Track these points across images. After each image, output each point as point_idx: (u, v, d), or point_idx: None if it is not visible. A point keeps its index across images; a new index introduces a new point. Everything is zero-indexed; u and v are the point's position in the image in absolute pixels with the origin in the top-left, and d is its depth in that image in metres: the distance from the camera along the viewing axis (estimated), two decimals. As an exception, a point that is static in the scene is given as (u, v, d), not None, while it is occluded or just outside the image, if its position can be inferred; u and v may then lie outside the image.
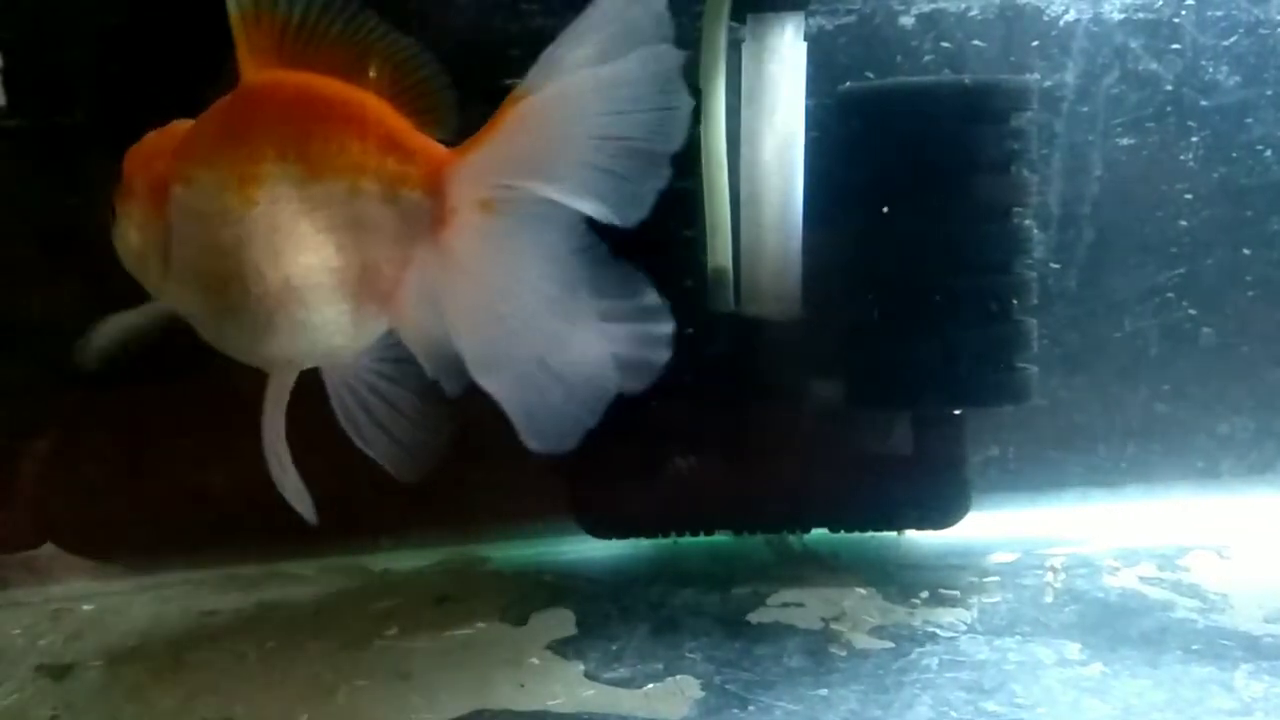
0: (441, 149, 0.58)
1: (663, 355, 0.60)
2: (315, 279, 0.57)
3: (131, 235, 0.60)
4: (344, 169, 0.57)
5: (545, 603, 0.85)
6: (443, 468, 0.94)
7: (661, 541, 0.93)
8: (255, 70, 0.58)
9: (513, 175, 0.55)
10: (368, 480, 0.88)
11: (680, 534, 0.92)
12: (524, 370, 0.56)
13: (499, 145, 0.55)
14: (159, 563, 0.93)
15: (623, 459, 0.90)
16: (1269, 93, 0.93)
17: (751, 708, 0.69)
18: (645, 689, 0.72)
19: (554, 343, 0.56)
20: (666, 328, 0.59)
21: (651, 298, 0.60)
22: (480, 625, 0.82)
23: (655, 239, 0.83)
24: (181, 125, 0.61)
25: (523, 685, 0.73)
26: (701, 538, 0.92)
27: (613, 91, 0.53)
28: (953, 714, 0.68)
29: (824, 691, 0.71)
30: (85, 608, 0.86)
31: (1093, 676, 0.73)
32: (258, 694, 0.72)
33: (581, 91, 0.54)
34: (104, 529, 0.94)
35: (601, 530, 0.91)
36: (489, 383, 0.56)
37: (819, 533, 0.92)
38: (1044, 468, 0.99)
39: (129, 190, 0.61)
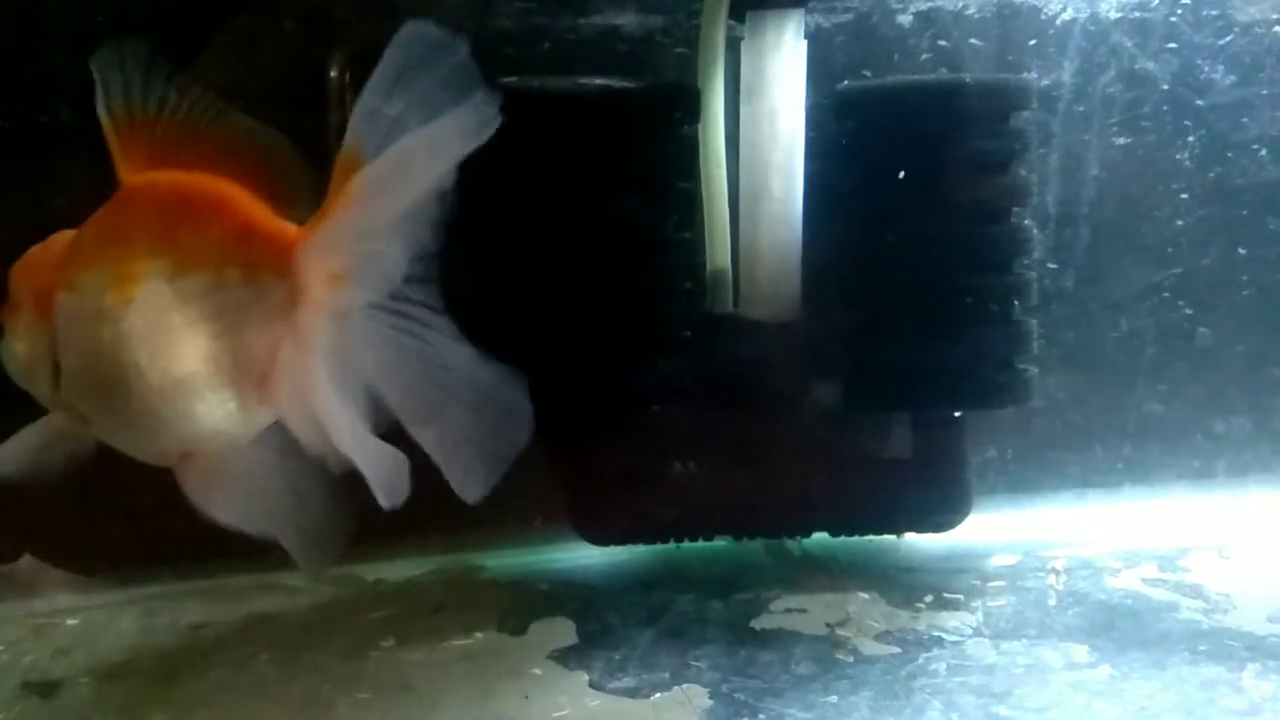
0: (293, 230, 0.60)
1: (523, 433, 0.62)
2: (192, 369, 0.58)
3: (19, 348, 0.62)
4: (209, 260, 0.59)
5: (544, 611, 0.83)
6: (434, 476, 0.92)
7: (657, 548, 0.92)
8: (130, 173, 0.60)
9: (357, 246, 0.57)
10: (360, 490, 0.87)
11: (679, 540, 0.91)
12: (371, 451, 0.57)
13: (340, 219, 0.57)
14: (144, 575, 0.90)
15: (620, 465, 0.89)
16: (1264, 92, 0.93)
17: (762, 716, 0.68)
18: (653, 699, 0.71)
19: (422, 407, 0.58)
20: (524, 405, 0.62)
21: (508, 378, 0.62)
22: (479, 635, 0.80)
23: (654, 241, 0.84)
24: (64, 236, 0.62)
25: (527, 696, 0.71)
26: (700, 544, 0.91)
27: (442, 150, 0.55)
28: (965, 718, 0.68)
29: (834, 699, 0.70)
30: (70, 622, 0.84)
31: (1102, 679, 0.72)
32: (255, 709, 0.70)
33: (414, 154, 0.55)
34: (87, 540, 0.91)
35: (600, 537, 0.90)
36: (350, 451, 0.57)
37: (818, 537, 0.92)
38: (1042, 469, 0.98)
39: (14, 304, 0.62)
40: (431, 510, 0.92)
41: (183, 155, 0.61)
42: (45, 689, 0.73)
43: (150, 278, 0.58)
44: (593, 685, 0.73)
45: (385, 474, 0.58)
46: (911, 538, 0.92)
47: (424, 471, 0.94)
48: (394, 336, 0.59)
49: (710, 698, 0.71)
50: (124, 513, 0.91)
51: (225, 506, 0.60)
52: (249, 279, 0.59)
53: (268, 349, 0.59)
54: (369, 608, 0.86)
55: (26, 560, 0.90)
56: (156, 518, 0.93)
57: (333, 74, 0.86)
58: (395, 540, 0.94)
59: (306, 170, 0.63)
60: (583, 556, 0.92)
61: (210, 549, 0.91)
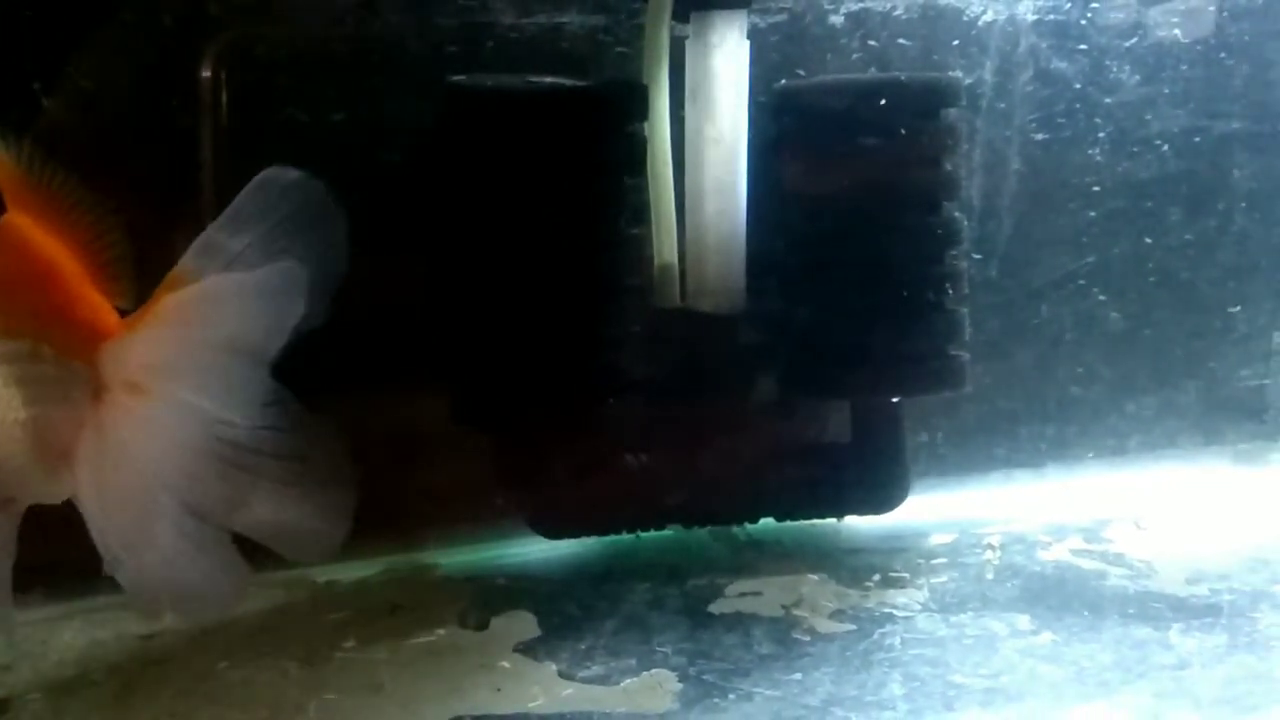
0: (112, 322, 0.61)
1: (344, 527, 0.65)
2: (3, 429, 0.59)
3: None
4: (28, 330, 0.60)
5: (503, 606, 0.84)
6: (381, 474, 0.92)
7: (606, 539, 0.93)
8: None
9: (150, 365, 0.59)
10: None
11: (632, 530, 0.92)
12: (158, 555, 0.59)
13: (142, 333, 0.59)
14: (82, 587, 0.87)
15: (572, 458, 0.90)
16: (1166, 90, 0.99)
17: (732, 695, 0.70)
18: (623, 685, 0.72)
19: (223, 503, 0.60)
20: (347, 500, 0.65)
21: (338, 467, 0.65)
22: (440, 632, 0.80)
23: (604, 237, 0.85)
24: None
25: (499, 689, 0.72)
26: (650, 533, 0.93)
27: (241, 302, 0.58)
28: (924, 687, 0.71)
29: (798, 675, 0.73)
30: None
31: (1044, 645, 0.76)
32: (220, 716, 0.69)
33: (215, 297, 0.58)
34: (20, 554, 0.88)
35: (553, 530, 0.91)
36: (112, 557, 0.60)
37: (763, 523, 0.94)
38: (970, 452, 1.03)
39: None
40: (381, 509, 0.92)
41: (41, 208, 0.61)
42: (-6, 707, 0.71)
43: None
44: (562, 675, 0.73)
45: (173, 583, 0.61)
46: (852, 520, 0.95)
47: (370, 468, 0.93)
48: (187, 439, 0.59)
49: (680, 681, 0.72)
50: (58, 524, 0.88)
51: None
52: (60, 359, 0.60)
53: (72, 429, 0.60)
54: (324, 610, 0.85)
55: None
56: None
57: (204, 74, 0.84)
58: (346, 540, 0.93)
59: (129, 253, 0.64)
60: (535, 550, 0.93)
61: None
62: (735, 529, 0.95)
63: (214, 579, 0.62)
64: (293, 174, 0.60)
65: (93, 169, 0.64)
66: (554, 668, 0.74)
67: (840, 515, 0.94)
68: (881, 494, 0.93)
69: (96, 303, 0.62)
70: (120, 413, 0.59)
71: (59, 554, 0.88)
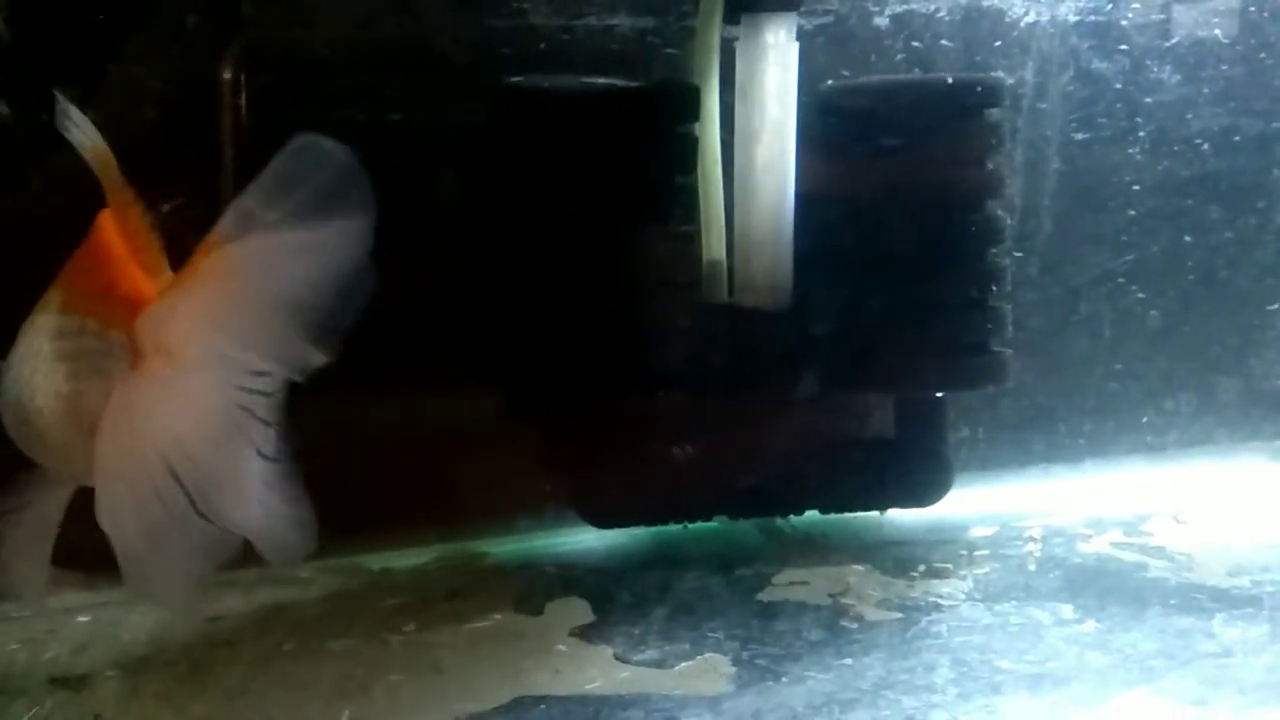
0: (151, 294, 0.62)
1: (307, 542, 0.62)
2: (44, 402, 0.61)
3: None
4: (81, 306, 0.62)
5: (556, 593, 0.86)
6: (434, 465, 0.94)
7: (652, 530, 0.95)
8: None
9: (184, 328, 0.59)
10: (359, 479, 0.88)
11: (680, 521, 0.94)
12: (153, 525, 0.59)
13: (177, 297, 0.60)
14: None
15: (621, 449, 0.92)
16: (1205, 90, 1.01)
17: (785, 679, 0.72)
18: (678, 668, 0.74)
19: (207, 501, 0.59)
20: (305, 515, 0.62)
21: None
22: (497, 617, 0.82)
23: (654, 235, 0.87)
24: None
25: (557, 671, 0.74)
26: (698, 525, 0.95)
27: (303, 256, 0.58)
28: (972, 672, 0.72)
29: (849, 660, 0.74)
30: (81, 619, 0.83)
31: (1089, 632, 0.78)
32: (291, 695, 0.72)
33: (272, 252, 0.58)
34: (89, 539, 0.91)
35: (603, 520, 0.93)
36: (109, 525, 0.60)
37: (807, 515, 0.96)
38: (1010, 447, 1.04)
39: None
40: (433, 499, 0.95)
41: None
42: (73, 683, 0.73)
43: (40, 311, 0.62)
44: (618, 658, 0.75)
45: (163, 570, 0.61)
46: (893, 513, 0.97)
47: (423, 460, 0.96)
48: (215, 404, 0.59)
49: (733, 664, 0.74)
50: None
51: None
52: (103, 332, 0.61)
53: (106, 401, 0.61)
54: (381, 596, 0.87)
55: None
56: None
57: (225, 76, 0.87)
58: (397, 529, 0.96)
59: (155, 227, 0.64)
60: (583, 540, 0.95)
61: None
62: (780, 521, 0.97)
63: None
64: (324, 142, 0.59)
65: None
66: (610, 651, 0.76)
67: (884, 508, 0.96)
68: (925, 488, 0.95)
69: (137, 275, 0.63)
70: (149, 380, 0.59)
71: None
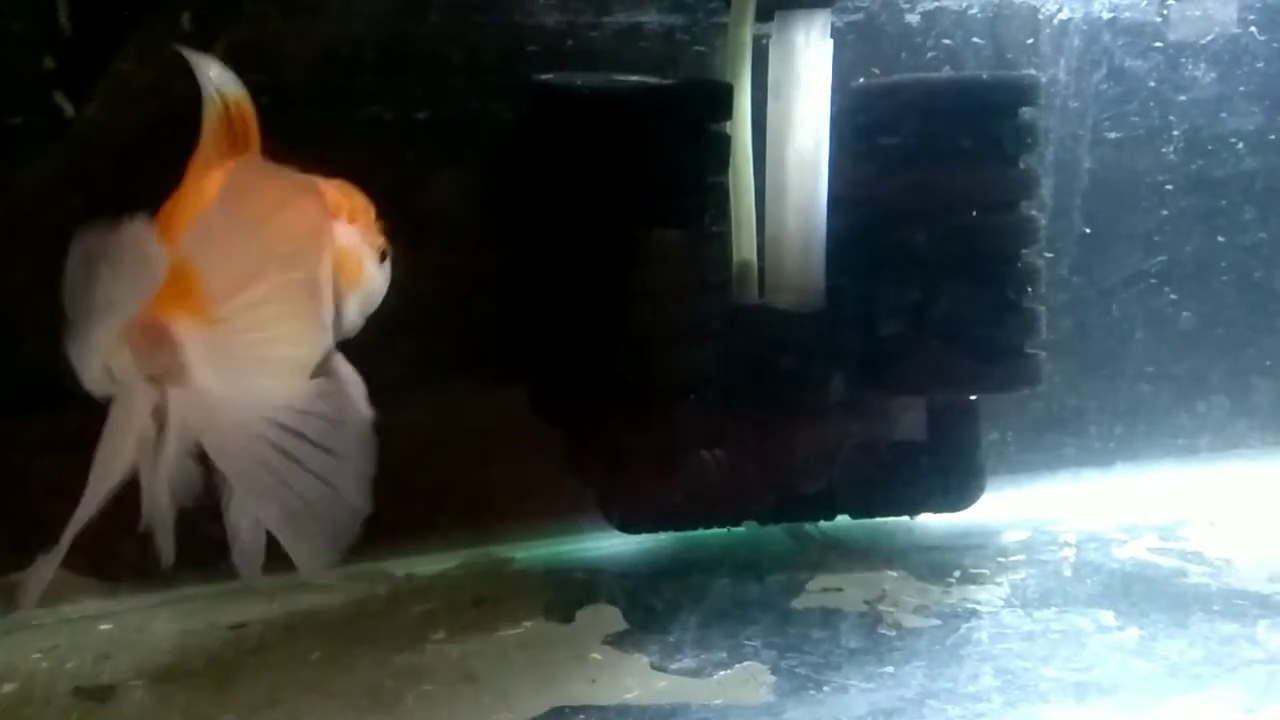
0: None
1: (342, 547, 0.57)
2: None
3: None
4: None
5: (585, 599, 0.84)
6: (459, 469, 0.93)
7: (678, 535, 0.94)
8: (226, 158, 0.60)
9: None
10: (383, 484, 0.87)
11: (709, 526, 0.93)
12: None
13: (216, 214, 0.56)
14: (171, 577, 0.88)
15: (650, 453, 0.90)
16: (1241, 88, 0.99)
17: (826, 688, 0.71)
18: (716, 677, 0.73)
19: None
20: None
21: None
22: (527, 624, 0.81)
23: (685, 235, 0.85)
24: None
25: (594, 680, 0.72)
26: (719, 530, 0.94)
27: None
28: (1017, 680, 0.71)
29: (890, 669, 0.73)
30: (103, 627, 0.82)
31: (1132, 640, 0.77)
32: (322, 704, 0.70)
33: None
34: (109, 544, 0.89)
35: (630, 525, 0.92)
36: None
37: (837, 519, 0.94)
38: (1041, 450, 1.03)
39: None
40: (458, 503, 0.93)
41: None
42: (99, 694, 0.72)
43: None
44: (654, 667, 0.74)
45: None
46: (923, 517, 0.95)
47: (445, 464, 0.94)
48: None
49: (772, 674, 0.73)
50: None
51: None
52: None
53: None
54: (408, 602, 0.86)
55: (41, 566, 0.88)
56: (178, 520, 0.91)
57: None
58: (420, 535, 0.94)
59: None
60: (609, 545, 0.94)
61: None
62: (809, 526, 0.96)
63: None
64: None
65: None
66: (645, 660, 0.75)
67: (915, 513, 0.95)
68: (957, 492, 0.94)
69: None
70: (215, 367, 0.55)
71: (146, 545, 0.90)
